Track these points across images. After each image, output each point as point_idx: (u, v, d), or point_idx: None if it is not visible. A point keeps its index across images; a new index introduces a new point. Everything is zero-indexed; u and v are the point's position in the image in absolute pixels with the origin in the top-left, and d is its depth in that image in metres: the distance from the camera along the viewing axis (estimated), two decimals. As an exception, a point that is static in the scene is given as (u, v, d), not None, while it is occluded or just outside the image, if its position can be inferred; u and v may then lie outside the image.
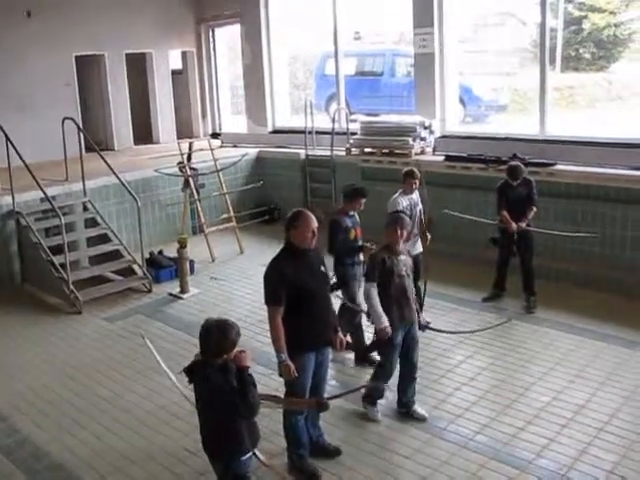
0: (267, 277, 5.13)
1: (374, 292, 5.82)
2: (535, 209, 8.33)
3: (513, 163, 8.60)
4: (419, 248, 7.90)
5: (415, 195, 7.84)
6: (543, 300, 8.47)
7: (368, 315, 6.04)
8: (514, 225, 8.22)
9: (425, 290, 7.88)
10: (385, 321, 5.76)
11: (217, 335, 4.22)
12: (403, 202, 7.65)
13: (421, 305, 7.97)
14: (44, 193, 9.49)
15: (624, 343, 7.43)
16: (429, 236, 7.89)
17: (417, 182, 7.79)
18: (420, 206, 7.91)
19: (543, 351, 7.36)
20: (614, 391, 6.44)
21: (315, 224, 5.13)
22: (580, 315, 8.15)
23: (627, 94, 16.95)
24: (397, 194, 7.70)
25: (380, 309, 5.78)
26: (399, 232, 5.90)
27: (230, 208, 11.65)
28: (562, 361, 7.11)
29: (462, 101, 13.56)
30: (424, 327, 6.52)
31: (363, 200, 7.09)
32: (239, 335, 4.31)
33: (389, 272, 5.82)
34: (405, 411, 6.17)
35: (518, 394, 6.46)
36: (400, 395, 6.21)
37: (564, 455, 5.47)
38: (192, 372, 4.34)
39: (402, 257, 5.95)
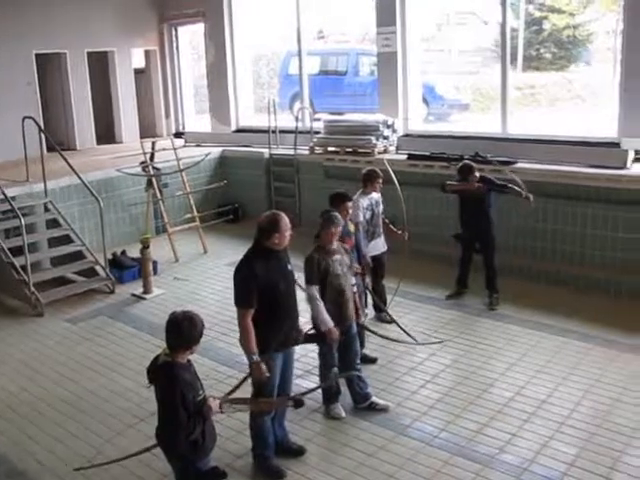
0: (238, 278, 5.09)
1: (316, 294, 5.79)
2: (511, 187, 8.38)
3: (462, 162, 8.66)
4: (383, 247, 7.92)
5: (376, 195, 7.83)
6: (505, 297, 8.54)
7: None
8: (475, 184, 8.26)
9: (398, 288, 7.95)
10: (330, 323, 5.76)
11: (187, 325, 4.18)
12: (364, 202, 7.64)
13: (384, 302, 8.03)
14: (3, 194, 9.33)
15: (584, 338, 7.52)
16: (406, 235, 7.90)
17: (381, 181, 7.78)
18: (382, 206, 7.91)
19: (505, 347, 7.42)
20: (574, 385, 6.52)
21: (289, 224, 5.16)
22: (542, 311, 8.23)
23: (586, 93, 17.16)
24: (357, 195, 7.65)
25: (323, 311, 5.76)
26: (333, 231, 5.88)
27: (194, 208, 11.57)
28: (524, 357, 7.17)
29: (425, 100, 13.61)
30: (361, 326, 6.51)
31: (349, 204, 6.79)
32: (204, 326, 4.28)
33: (324, 273, 5.80)
34: (366, 406, 6.18)
35: (481, 390, 6.50)
36: (351, 391, 6.22)
37: (526, 449, 5.52)
38: (155, 373, 4.28)
39: (337, 257, 5.92)
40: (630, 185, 8.70)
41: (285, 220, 5.13)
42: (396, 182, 8.07)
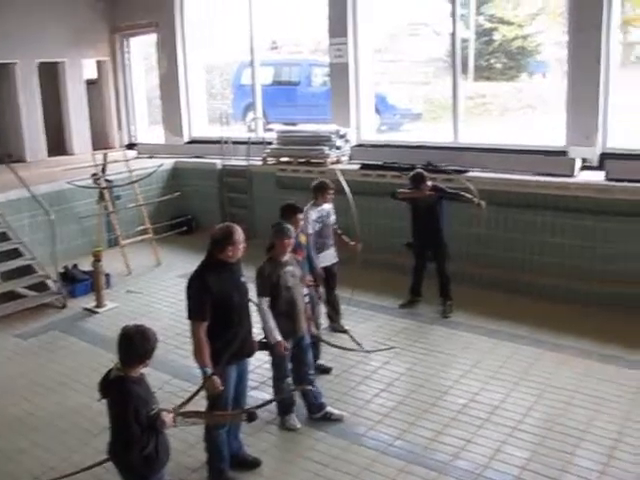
0: (191, 291, 5.07)
1: (266, 306, 5.78)
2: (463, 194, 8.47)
3: (414, 171, 8.73)
4: (334, 258, 7.90)
5: (327, 206, 7.80)
6: (459, 304, 8.63)
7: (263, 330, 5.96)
8: (425, 192, 8.34)
9: (352, 297, 8.02)
10: (278, 336, 5.76)
11: (139, 339, 4.14)
12: (313, 215, 7.61)
13: (337, 312, 8.03)
14: (-49, 207, 9.15)
15: (535, 343, 7.64)
16: (359, 246, 7.88)
17: (332, 192, 7.77)
18: (333, 216, 7.89)
19: (459, 354, 7.50)
20: (527, 390, 6.61)
21: (243, 236, 5.15)
22: (494, 318, 8.34)
23: (536, 103, 17.48)
24: (307, 207, 7.60)
25: (273, 324, 5.76)
26: (285, 243, 5.89)
27: (146, 220, 11.48)
28: (478, 363, 7.25)
29: (377, 110, 13.71)
30: (315, 338, 6.52)
31: (300, 215, 6.79)
32: (157, 339, 4.25)
33: (276, 285, 5.80)
34: (321, 416, 6.19)
35: (435, 398, 6.55)
36: (306, 402, 6.23)
37: (480, 455, 5.58)
38: (107, 387, 4.23)
39: (288, 268, 5.93)
40: (577, 192, 8.87)
41: (239, 232, 5.13)
42: (348, 193, 8.08)
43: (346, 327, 7.81)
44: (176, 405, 4.56)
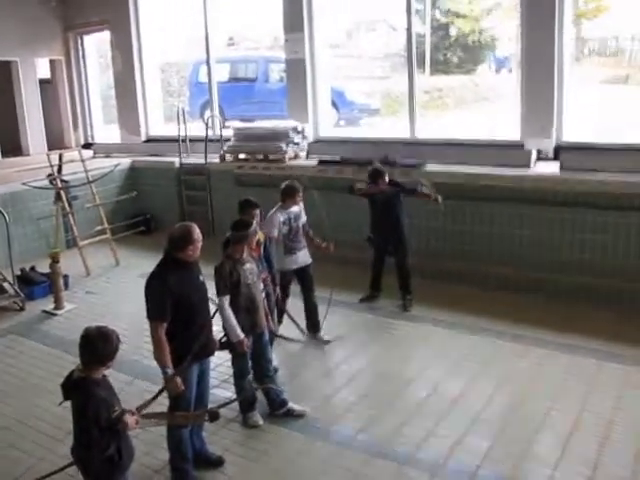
0: (151, 291, 5.03)
1: (226, 304, 5.78)
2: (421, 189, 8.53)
3: (372, 166, 8.78)
4: (306, 260, 7.79)
5: (296, 208, 7.68)
6: (419, 298, 8.70)
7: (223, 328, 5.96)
8: (382, 187, 8.39)
9: (330, 299, 7.90)
10: (240, 334, 5.77)
11: (100, 341, 4.12)
12: (280, 217, 7.51)
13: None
14: None
15: (496, 334, 7.74)
16: (332, 246, 7.82)
17: (301, 195, 7.65)
18: (304, 218, 7.76)
19: (420, 347, 7.59)
20: (487, 381, 6.71)
21: (200, 235, 5.14)
22: (454, 310, 8.43)
23: (492, 95, 17.63)
24: (274, 209, 7.56)
25: (234, 322, 5.77)
26: (250, 240, 5.90)
27: (104, 220, 11.38)
28: (439, 356, 7.33)
29: (335, 105, 13.75)
30: (274, 334, 6.53)
31: (256, 211, 6.77)
32: (120, 341, 4.23)
33: (236, 282, 5.80)
34: (283, 412, 6.20)
35: (398, 391, 6.62)
36: (268, 398, 6.25)
37: (442, 446, 5.65)
38: (69, 389, 4.21)
39: (247, 266, 5.93)
40: (532, 184, 9.00)
41: (197, 231, 5.12)
42: (314, 191, 7.98)
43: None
44: (138, 405, 4.55)
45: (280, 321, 7.59)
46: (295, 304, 7.80)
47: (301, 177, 8.08)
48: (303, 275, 7.78)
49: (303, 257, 7.77)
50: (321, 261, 8.03)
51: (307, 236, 7.81)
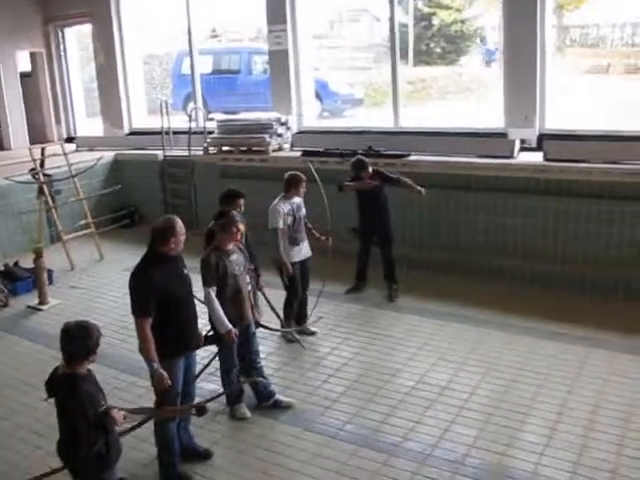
0: (134, 287, 5.00)
1: (213, 296, 5.75)
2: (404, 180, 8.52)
3: (354, 157, 8.76)
4: (307, 253, 7.77)
5: (297, 199, 7.63)
6: (405, 288, 8.72)
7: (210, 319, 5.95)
8: (369, 182, 8.39)
9: (322, 291, 7.88)
10: (228, 324, 5.74)
11: (81, 335, 4.10)
12: (284, 208, 7.46)
13: (304, 314, 7.91)
14: None
15: (482, 323, 7.77)
16: (330, 240, 7.81)
17: (304, 185, 7.60)
18: (304, 210, 7.72)
19: (407, 337, 7.58)
20: (473, 370, 6.74)
21: (184, 228, 5.12)
22: (440, 300, 8.46)
23: (475, 86, 17.66)
24: (277, 200, 7.51)
25: (221, 313, 5.74)
26: (235, 231, 5.87)
27: (88, 214, 11.31)
28: (425, 345, 7.35)
29: (319, 96, 13.73)
30: (257, 325, 6.52)
31: (241, 201, 6.82)
32: (101, 334, 4.21)
33: (222, 274, 5.78)
34: (271, 404, 6.21)
35: (384, 381, 6.63)
36: (255, 390, 6.24)
37: (429, 435, 5.67)
38: (54, 385, 4.18)
39: (234, 257, 5.91)
40: (516, 173, 9.03)
41: (180, 224, 5.10)
42: (319, 182, 7.92)
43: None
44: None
45: (305, 315, 7.81)
46: (278, 295, 7.77)
47: (306, 169, 7.99)
48: (303, 268, 7.75)
49: (306, 249, 7.77)
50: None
51: (306, 228, 7.79)
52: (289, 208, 7.51)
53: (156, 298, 4.93)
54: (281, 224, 7.40)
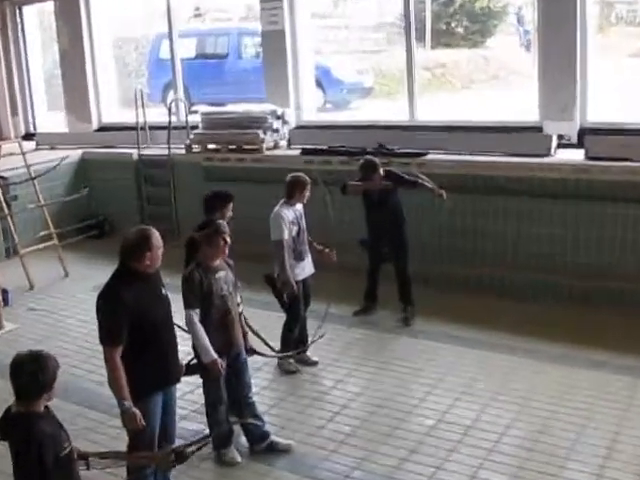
0: (103, 310, 4.98)
1: (196, 319, 5.73)
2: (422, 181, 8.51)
3: (363, 158, 8.77)
4: (311, 269, 7.77)
5: (299, 206, 7.63)
6: (421, 309, 8.71)
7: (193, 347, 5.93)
8: (379, 182, 8.38)
9: (326, 313, 7.78)
10: (213, 354, 5.72)
11: (33, 369, 4.07)
12: (289, 215, 7.42)
13: (304, 340, 7.85)
14: None
15: (511, 350, 7.76)
16: (334, 254, 7.78)
17: (309, 189, 7.59)
18: (304, 220, 7.68)
19: (424, 367, 7.56)
20: (503, 406, 6.70)
21: (161, 240, 5.11)
22: (462, 323, 8.45)
23: (504, 73, 17.71)
24: (279, 206, 7.49)
25: (206, 340, 5.72)
26: (222, 244, 5.84)
27: (50, 223, 11.32)
28: (446, 376, 7.33)
29: (320, 85, 13.77)
30: (251, 351, 6.51)
31: (230, 206, 6.83)
32: (58, 366, 4.18)
33: (207, 294, 5.77)
34: (265, 446, 6.18)
35: (399, 419, 6.60)
36: (246, 431, 6.22)
37: (452, 484, 5.65)
38: (7, 427, 4.17)
39: (221, 274, 5.90)
40: (553, 174, 9.04)
41: (156, 236, 5.07)
42: (322, 186, 7.96)
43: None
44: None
45: (306, 341, 7.74)
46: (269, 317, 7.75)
47: (311, 171, 8.00)
48: (304, 287, 7.74)
49: (309, 265, 7.77)
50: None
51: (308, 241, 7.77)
52: (293, 216, 7.49)
53: (128, 323, 4.90)
54: (286, 234, 7.37)
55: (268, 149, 11.23)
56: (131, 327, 4.92)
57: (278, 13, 11.55)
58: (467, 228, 9.57)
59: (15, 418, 4.11)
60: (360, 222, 8.84)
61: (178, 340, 5.42)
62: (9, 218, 10.98)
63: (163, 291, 5.22)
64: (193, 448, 4.95)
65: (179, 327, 5.64)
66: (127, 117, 13.80)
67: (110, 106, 14.48)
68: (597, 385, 6.97)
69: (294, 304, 7.59)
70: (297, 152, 10.94)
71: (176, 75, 13.46)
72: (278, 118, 11.39)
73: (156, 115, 13.39)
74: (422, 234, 9.58)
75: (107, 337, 4.95)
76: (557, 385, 7.02)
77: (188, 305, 5.76)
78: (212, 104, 13.48)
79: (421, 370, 7.51)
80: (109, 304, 4.96)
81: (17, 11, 15.26)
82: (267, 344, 7.27)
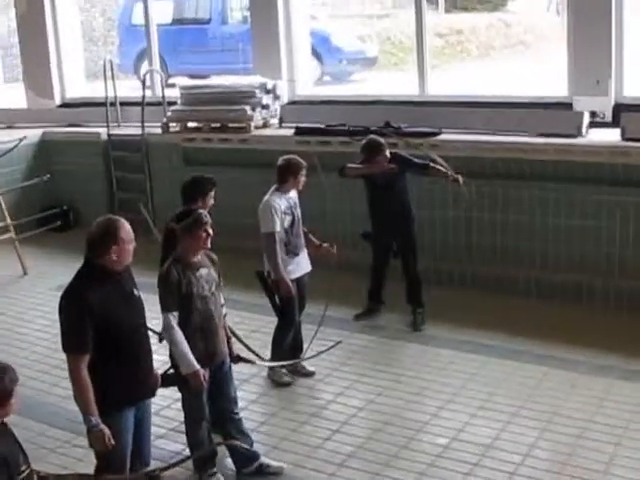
0: (65, 315, 4.97)
1: (175, 324, 5.71)
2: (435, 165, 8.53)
3: (367, 138, 8.77)
4: (307, 267, 7.78)
5: (294, 193, 7.62)
6: (433, 312, 8.73)
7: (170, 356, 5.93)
8: (384, 165, 8.37)
9: (323, 317, 7.81)
10: (195, 364, 5.69)
11: None
12: (281, 204, 7.41)
13: (300, 348, 7.89)
14: None
15: (537, 359, 7.78)
16: (334, 249, 7.80)
17: (305, 174, 7.58)
18: (299, 209, 7.69)
19: (437, 379, 7.58)
20: (527, 422, 6.71)
21: (132, 233, 5.09)
22: (481, 328, 8.48)
23: (530, 39, 17.70)
24: (269, 194, 7.49)
25: (186, 347, 5.70)
26: (204, 236, 5.83)
27: (6, 213, 11.33)
28: (462, 389, 7.34)
29: (317, 54, 13.77)
30: (236, 359, 6.50)
31: (211, 194, 6.82)
32: (15, 381, 4.17)
33: (187, 294, 5.76)
34: (254, 469, 6.17)
35: (408, 438, 6.60)
36: (232, 451, 6.20)
37: (469, 511, 5.69)
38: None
39: (202, 271, 5.88)
40: (585, 157, 9.05)
41: (125, 227, 5.03)
42: (323, 174, 7.98)
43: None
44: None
45: (301, 347, 7.77)
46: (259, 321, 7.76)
47: (308, 154, 7.98)
48: (299, 286, 7.73)
49: (305, 261, 7.78)
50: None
51: (303, 233, 7.77)
52: (286, 205, 7.49)
53: (95, 328, 4.90)
54: (278, 226, 7.37)
55: (257, 128, 11.24)
56: (98, 333, 4.89)
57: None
58: (485, 219, 9.58)
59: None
60: (363, 212, 8.85)
61: (153, 347, 5.42)
62: (-41, 208, 11.01)
63: (135, 292, 5.21)
64: (171, 471, 4.96)
65: (154, 332, 5.64)
66: (94, 91, 13.80)
67: (75, 79, 14.44)
68: (635, 399, 6.98)
69: (288, 306, 7.60)
70: (290, 132, 10.94)
71: (151, 43, 13.42)
72: (268, 92, 11.39)
73: (128, 89, 13.39)
74: (434, 226, 9.59)
75: (71, 344, 4.94)
76: (589, 399, 7.02)
77: (165, 307, 5.75)
78: (192, 76, 13.54)
79: (433, 382, 7.52)
80: (73, 306, 4.94)
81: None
82: (255, 353, 7.22)
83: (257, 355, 7.19)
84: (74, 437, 6.64)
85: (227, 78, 12.21)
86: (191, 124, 11.83)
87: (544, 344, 8.05)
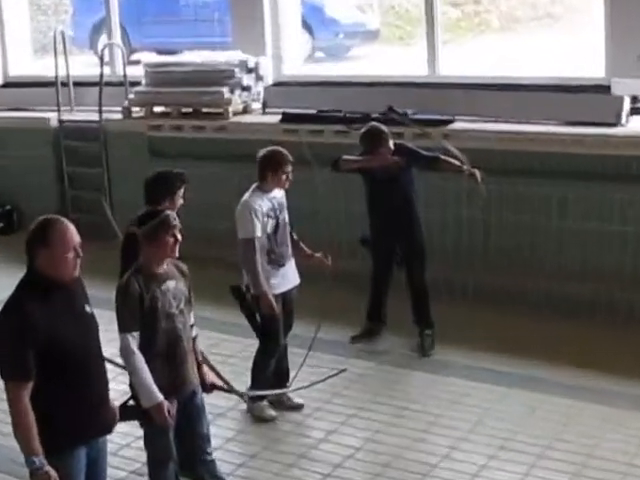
0: (3, 336, 4.95)
1: (135, 347, 5.69)
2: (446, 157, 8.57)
3: (367, 125, 8.80)
4: (295, 279, 7.81)
5: (278, 192, 7.62)
6: (444, 333, 8.75)
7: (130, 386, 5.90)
8: (388, 157, 8.42)
9: (314, 339, 7.83)
10: (158, 395, 5.66)
11: None
12: (262, 205, 7.42)
13: (286, 374, 7.90)
14: None
15: (566, 391, 7.80)
16: (329, 259, 7.83)
17: (291, 170, 7.56)
18: (286, 211, 7.71)
19: (448, 413, 7.59)
20: (556, 465, 6.70)
21: (78, 239, 5.03)
22: (499, 352, 8.50)
23: (559, 10, 17.71)
24: (249, 193, 7.50)
25: (148, 375, 5.67)
26: (171, 242, 5.82)
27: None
28: (477, 426, 7.35)
29: (308, 27, 13.78)
30: (210, 388, 6.47)
31: (180, 192, 6.83)
32: None
33: (151, 310, 5.73)
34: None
35: (413, 483, 6.63)
36: None
37: None
38: None
39: (169, 284, 5.87)
40: (625, 150, 9.07)
41: (60, 230, 4.94)
42: (315, 169, 8.05)
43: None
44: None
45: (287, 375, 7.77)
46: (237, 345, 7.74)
47: (301, 145, 8.00)
48: (285, 303, 7.74)
49: (293, 273, 7.79)
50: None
51: (291, 240, 7.79)
52: (269, 206, 7.49)
53: (37, 351, 4.87)
54: (259, 231, 7.37)
55: (236, 114, 11.28)
56: (42, 356, 4.86)
57: None
58: (507, 223, 9.60)
59: None
60: (361, 212, 8.86)
61: (111, 375, 5.41)
62: None
63: (87, 308, 5.16)
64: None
65: (110, 362, 5.61)
66: (43, 69, 13.79)
67: (20, 54, 14.48)
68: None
69: (271, 326, 7.58)
70: (276, 118, 10.98)
71: (110, 12, 13.45)
72: (250, 71, 11.42)
73: (83, 66, 13.38)
74: (445, 228, 9.60)
75: (10, 370, 4.89)
76: (629, 437, 7.03)
77: (123, 327, 5.72)
78: (160, 52, 13.50)
79: (443, 417, 7.53)
80: (12, 324, 4.91)
81: None
82: (229, 385, 7.01)
83: (231, 388, 7.03)
84: (12, 480, 6.65)
85: (201, 54, 12.21)
86: (158, 109, 11.87)
87: (574, 371, 8.10)
